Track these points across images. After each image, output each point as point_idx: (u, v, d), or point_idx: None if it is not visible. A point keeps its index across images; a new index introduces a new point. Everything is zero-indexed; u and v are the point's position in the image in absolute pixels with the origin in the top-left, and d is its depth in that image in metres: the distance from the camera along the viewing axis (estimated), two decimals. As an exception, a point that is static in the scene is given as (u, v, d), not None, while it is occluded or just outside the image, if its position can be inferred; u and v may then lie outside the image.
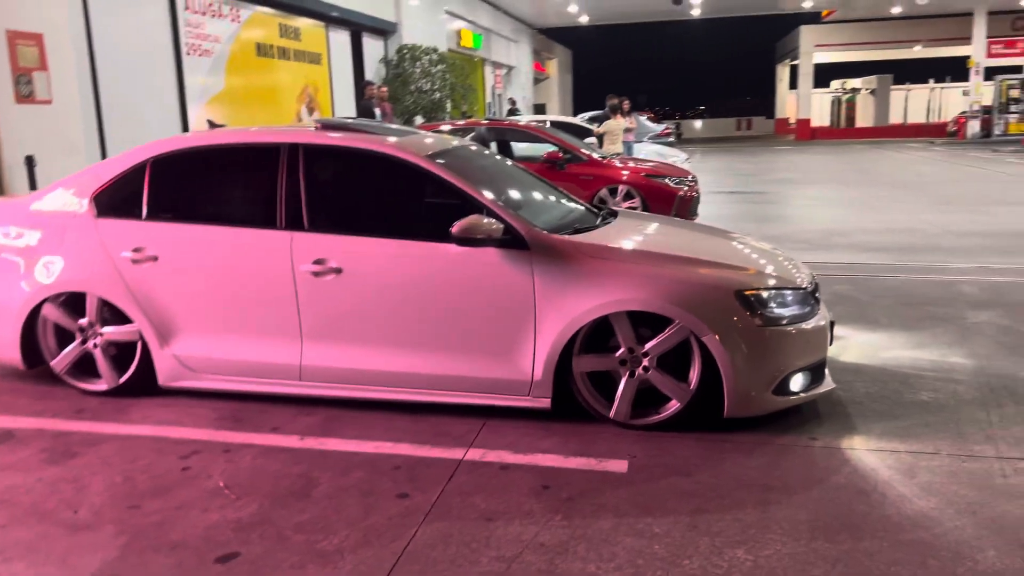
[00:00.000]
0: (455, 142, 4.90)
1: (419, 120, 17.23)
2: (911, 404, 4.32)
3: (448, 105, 18.68)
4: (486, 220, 3.93)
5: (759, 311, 3.89)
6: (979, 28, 32.90)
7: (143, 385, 4.55)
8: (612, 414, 3.99)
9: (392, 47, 18.35)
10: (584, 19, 34.90)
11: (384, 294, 4.13)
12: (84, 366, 4.65)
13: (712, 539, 3.02)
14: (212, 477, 3.62)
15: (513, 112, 25.68)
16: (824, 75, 40.52)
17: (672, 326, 3.85)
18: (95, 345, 4.58)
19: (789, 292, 4.04)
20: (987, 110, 31.53)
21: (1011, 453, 3.67)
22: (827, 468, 3.59)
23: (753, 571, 2.81)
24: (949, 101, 37.31)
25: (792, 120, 41.05)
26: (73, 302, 4.57)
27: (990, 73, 32.72)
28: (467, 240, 3.93)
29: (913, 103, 39.18)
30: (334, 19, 15.76)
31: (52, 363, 4.65)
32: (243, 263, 4.30)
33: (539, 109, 35.27)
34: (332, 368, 4.26)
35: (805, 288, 4.15)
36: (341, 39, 16.59)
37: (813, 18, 37.23)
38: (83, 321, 4.57)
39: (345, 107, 16.32)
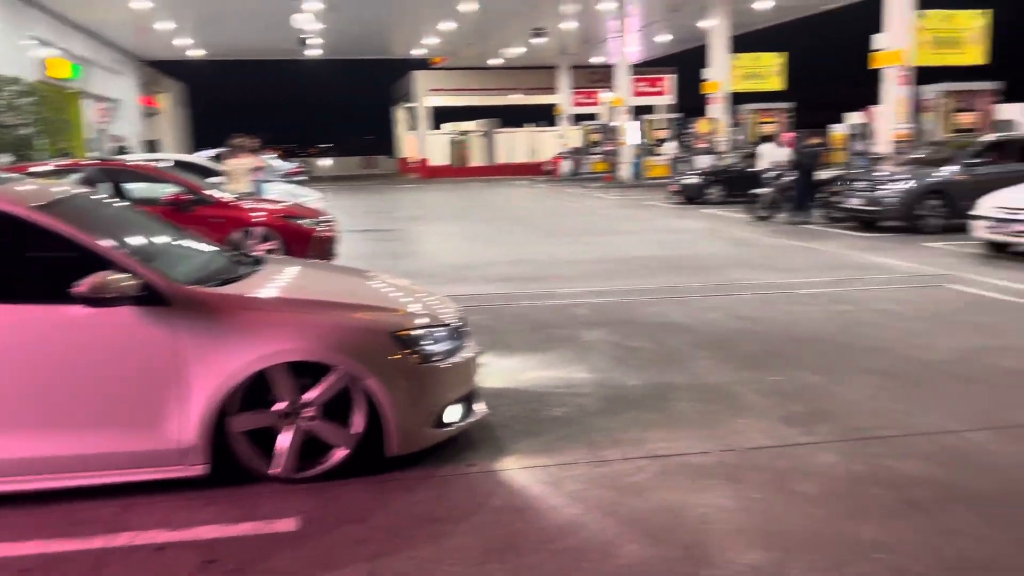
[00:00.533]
0: (55, 188, 4.34)
1: (6, 159, 14.98)
2: (548, 420, 4.78)
3: (42, 142, 16.52)
4: (116, 276, 3.56)
5: (414, 350, 4.03)
6: (564, 80, 37.97)
7: None
8: (276, 471, 3.83)
9: (-37, 75, 15.81)
10: (200, 52, 33.31)
11: (-11, 368, 3.52)
12: None
13: (391, 582, 3.04)
14: None
15: (122, 151, 23.53)
16: (441, 117, 43.40)
17: (333, 372, 3.82)
18: None
19: (439, 329, 4.24)
20: (577, 151, 36.36)
21: (632, 454, 4.25)
22: (486, 492, 3.83)
23: (434, 606, 2.89)
24: (545, 143, 42.16)
25: (412, 159, 43.27)
26: None
27: (578, 119, 37.83)
28: (95, 300, 3.51)
29: (516, 144, 43.57)
30: None
31: None
32: None
33: (151, 146, 32.72)
34: (-79, 464, 3.51)
35: (452, 324, 4.39)
36: None
37: (424, 64, 39.79)
38: None
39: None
